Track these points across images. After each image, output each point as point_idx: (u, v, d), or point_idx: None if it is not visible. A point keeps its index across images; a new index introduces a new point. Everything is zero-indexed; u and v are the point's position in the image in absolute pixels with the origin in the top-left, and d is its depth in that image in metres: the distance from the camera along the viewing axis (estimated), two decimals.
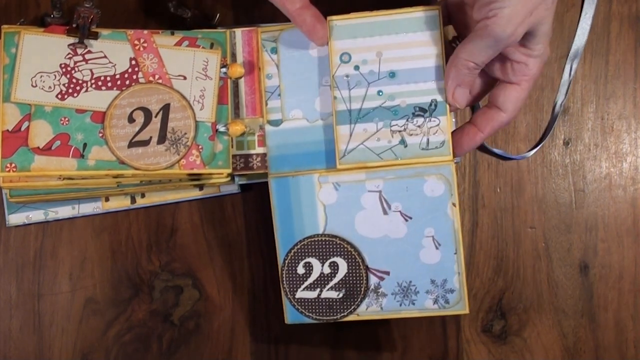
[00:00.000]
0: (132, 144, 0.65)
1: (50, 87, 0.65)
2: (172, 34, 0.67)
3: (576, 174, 0.74)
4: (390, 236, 0.65)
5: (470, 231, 0.74)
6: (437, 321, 0.74)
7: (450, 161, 0.64)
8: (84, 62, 0.66)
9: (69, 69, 0.65)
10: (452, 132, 0.64)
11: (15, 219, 0.72)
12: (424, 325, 0.74)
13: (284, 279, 0.66)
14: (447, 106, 0.63)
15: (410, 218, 0.64)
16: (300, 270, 0.66)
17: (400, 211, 0.64)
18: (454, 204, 0.63)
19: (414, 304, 0.64)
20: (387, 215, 0.65)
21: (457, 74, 0.61)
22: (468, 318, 0.74)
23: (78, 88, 0.65)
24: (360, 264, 0.65)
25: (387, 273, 0.65)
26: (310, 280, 0.66)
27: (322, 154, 0.65)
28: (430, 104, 0.63)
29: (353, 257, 0.65)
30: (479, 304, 0.74)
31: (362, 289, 0.65)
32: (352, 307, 0.65)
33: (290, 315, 0.67)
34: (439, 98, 0.63)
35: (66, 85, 0.65)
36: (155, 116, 0.66)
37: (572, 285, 0.74)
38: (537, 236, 0.74)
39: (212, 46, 0.67)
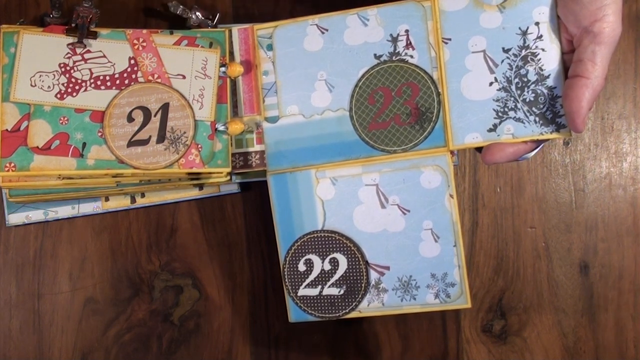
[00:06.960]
0: (131, 143, 0.65)
1: (49, 87, 0.65)
2: (171, 33, 0.67)
3: (576, 174, 0.74)
4: (388, 230, 0.64)
5: (470, 231, 0.74)
6: (437, 321, 0.74)
7: (445, 151, 0.64)
8: (83, 62, 0.66)
9: (68, 68, 0.65)
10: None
11: (15, 218, 0.72)
12: (424, 325, 0.74)
13: (286, 276, 0.66)
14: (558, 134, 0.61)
15: (408, 211, 0.64)
16: (302, 267, 0.66)
17: (397, 204, 0.64)
18: (451, 196, 0.63)
19: (415, 299, 0.64)
20: (385, 209, 0.64)
21: (594, 95, 0.56)
22: (468, 318, 0.74)
23: (77, 87, 0.65)
24: (360, 259, 0.65)
25: (387, 268, 0.65)
26: (312, 277, 0.66)
27: (318, 149, 0.65)
28: None
29: (352, 252, 0.65)
30: (479, 304, 0.74)
31: (363, 284, 0.65)
32: (354, 304, 0.65)
33: (294, 314, 0.67)
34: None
35: (65, 84, 0.65)
36: (155, 115, 0.66)
37: (572, 285, 0.74)
38: (537, 236, 0.74)
39: (211, 45, 0.67)
